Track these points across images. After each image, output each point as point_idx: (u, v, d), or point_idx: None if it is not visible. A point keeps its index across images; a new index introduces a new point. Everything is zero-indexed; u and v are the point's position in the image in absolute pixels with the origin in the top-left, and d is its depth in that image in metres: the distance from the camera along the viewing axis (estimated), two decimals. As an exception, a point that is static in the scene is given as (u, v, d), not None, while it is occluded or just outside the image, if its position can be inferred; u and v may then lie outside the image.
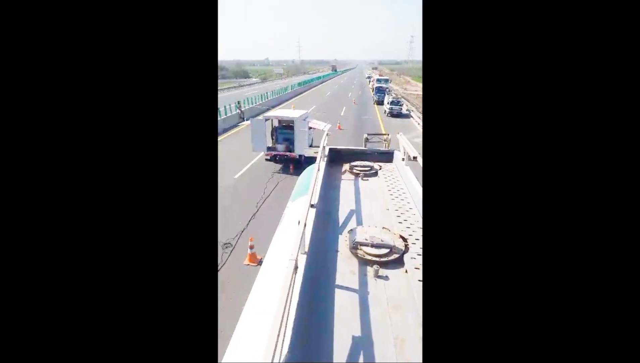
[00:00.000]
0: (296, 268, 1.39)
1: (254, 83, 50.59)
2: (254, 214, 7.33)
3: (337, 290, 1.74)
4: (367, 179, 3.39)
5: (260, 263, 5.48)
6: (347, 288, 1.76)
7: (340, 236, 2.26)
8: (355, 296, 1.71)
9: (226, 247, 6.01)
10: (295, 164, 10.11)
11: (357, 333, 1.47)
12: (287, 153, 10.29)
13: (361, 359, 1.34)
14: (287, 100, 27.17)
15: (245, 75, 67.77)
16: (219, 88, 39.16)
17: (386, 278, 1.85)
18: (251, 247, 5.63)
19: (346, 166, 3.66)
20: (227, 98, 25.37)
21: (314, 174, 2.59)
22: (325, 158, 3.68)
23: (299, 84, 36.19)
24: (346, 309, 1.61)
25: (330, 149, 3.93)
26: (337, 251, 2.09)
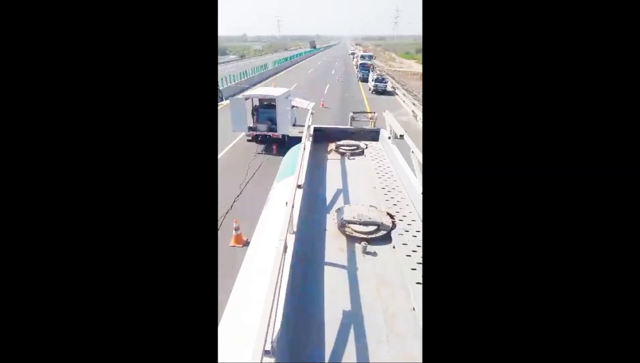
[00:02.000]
0: (286, 248, 1.37)
1: (232, 61, 48.32)
2: (238, 196, 7.23)
3: (326, 268, 1.75)
4: (354, 158, 3.37)
5: (246, 244, 5.46)
6: (336, 265, 1.77)
7: (328, 215, 2.26)
8: (345, 272, 1.72)
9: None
10: (279, 145, 9.93)
11: (348, 308, 1.49)
12: (270, 133, 10.06)
13: (352, 333, 1.37)
14: (268, 78, 26.27)
15: (222, 52, 64.41)
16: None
17: (374, 254, 1.87)
18: (236, 229, 5.58)
19: (332, 146, 3.61)
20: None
21: (299, 154, 2.53)
22: (311, 138, 3.61)
23: (279, 61, 34.76)
24: (336, 285, 1.62)
25: (315, 128, 3.85)
26: (325, 230, 2.09)
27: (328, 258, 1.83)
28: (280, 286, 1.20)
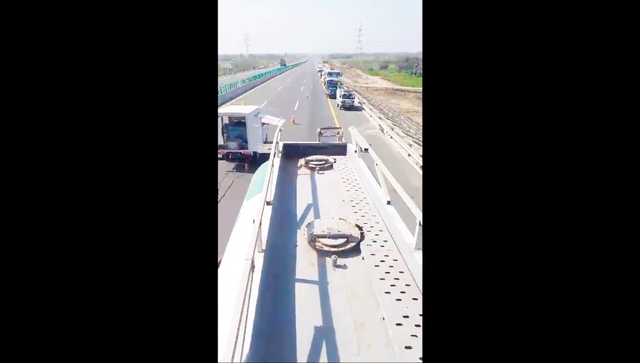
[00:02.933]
0: (253, 267, 1.36)
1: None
2: (209, 217, 7.00)
3: (297, 284, 1.75)
4: (323, 173, 3.43)
5: (218, 264, 5.26)
6: (307, 281, 1.78)
7: (298, 230, 2.27)
8: (316, 287, 1.73)
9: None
10: (250, 162, 9.84)
11: (319, 323, 1.50)
12: (241, 151, 9.97)
13: (324, 347, 1.37)
14: (237, 96, 26.18)
15: (190, 70, 63.40)
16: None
17: (344, 267, 1.90)
18: (208, 251, 5.38)
19: (302, 161, 3.66)
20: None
21: (268, 171, 2.54)
22: (280, 154, 3.64)
23: (247, 79, 34.89)
24: (307, 301, 1.62)
25: (284, 144, 3.89)
26: (295, 245, 2.09)
27: (299, 274, 1.83)
28: (248, 306, 1.19)
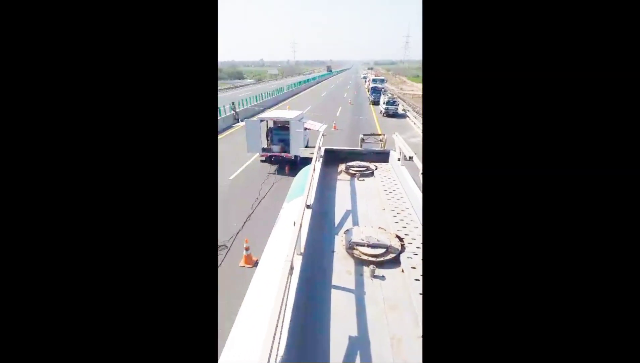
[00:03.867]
0: (292, 269, 1.37)
1: (248, 84, 50.49)
2: (249, 216, 7.29)
3: (333, 291, 1.73)
4: (363, 180, 3.38)
5: (255, 264, 5.45)
6: (343, 289, 1.75)
7: (336, 236, 2.25)
8: (352, 296, 1.69)
9: (221, 249, 5.96)
10: (291, 165, 10.08)
11: (354, 333, 1.46)
12: (283, 154, 10.27)
13: (358, 359, 1.33)
14: (282, 101, 27.12)
15: (240, 76, 67.70)
16: (214, 89, 38.77)
17: (382, 278, 1.84)
18: (247, 249, 5.60)
19: (342, 167, 3.65)
20: (222, 99, 25.26)
21: (309, 175, 2.57)
22: (321, 159, 3.67)
23: (293, 85, 36.00)
24: (342, 309, 1.60)
25: (326, 149, 3.92)
26: (333, 251, 2.08)
27: (335, 280, 1.81)
28: (285, 308, 1.20)
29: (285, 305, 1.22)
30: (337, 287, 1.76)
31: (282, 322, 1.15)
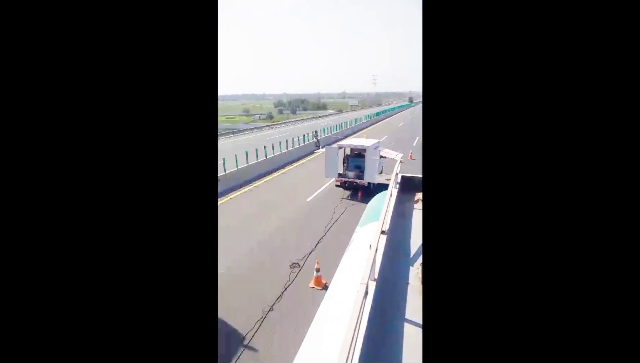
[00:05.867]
0: (367, 293, 1.38)
1: (330, 115, 53.66)
2: (322, 238, 7.49)
3: (406, 325, 1.66)
4: None
5: (325, 287, 5.50)
6: (416, 324, 1.67)
7: (411, 267, 2.17)
8: None
9: (294, 267, 6.23)
10: (364, 191, 10.09)
11: None
12: (357, 180, 10.39)
13: None
14: (360, 130, 27.80)
15: (324, 107, 73.07)
16: (301, 119, 41.86)
17: None
18: (317, 270, 5.72)
19: (419, 195, 3.54)
20: (306, 128, 27.39)
21: (386, 201, 2.58)
22: (398, 185, 3.63)
23: (369, 116, 36.59)
24: (416, 347, 1.52)
25: (402, 176, 3.87)
26: (407, 283, 2.01)
27: (409, 314, 1.74)
28: (358, 333, 1.20)
29: (359, 329, 1.21)
30: (410, 322, 1.70)
31: (355, 345, 1.14)
